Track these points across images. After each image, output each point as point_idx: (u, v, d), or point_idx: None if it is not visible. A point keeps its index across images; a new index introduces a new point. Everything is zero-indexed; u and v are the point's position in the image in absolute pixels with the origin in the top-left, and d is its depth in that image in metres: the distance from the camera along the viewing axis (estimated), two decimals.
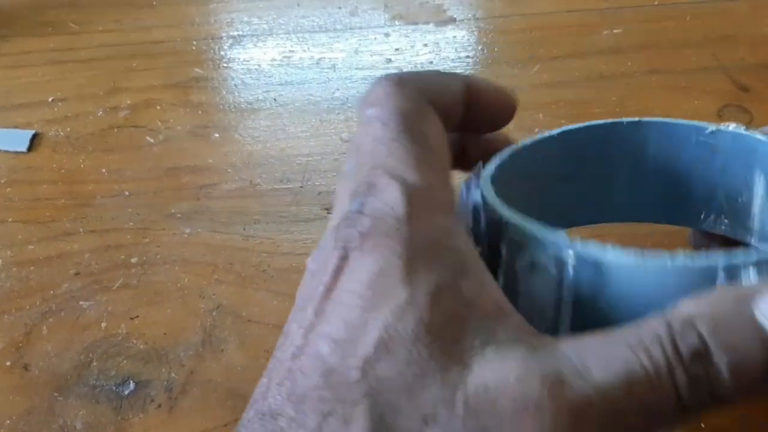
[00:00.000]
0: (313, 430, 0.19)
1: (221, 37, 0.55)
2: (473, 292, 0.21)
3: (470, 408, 0.19)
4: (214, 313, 0.40)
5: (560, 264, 0.22)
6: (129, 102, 0.51)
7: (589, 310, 0.22)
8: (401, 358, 0.19)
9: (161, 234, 0.44)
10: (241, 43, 0.54)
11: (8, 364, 0.40)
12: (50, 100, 0.52)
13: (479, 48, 0.52)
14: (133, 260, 0.43)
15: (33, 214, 0.46)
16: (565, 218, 0.32)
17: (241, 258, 0.42)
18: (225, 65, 0.53)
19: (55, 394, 0.38)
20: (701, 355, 0.18)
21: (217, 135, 0.49)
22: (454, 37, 0.53)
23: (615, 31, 0.51)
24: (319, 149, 0.47)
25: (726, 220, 0.31)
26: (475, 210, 0.25)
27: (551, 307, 0.23)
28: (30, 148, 0.49)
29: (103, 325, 0.40)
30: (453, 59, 0.51)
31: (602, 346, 0.19)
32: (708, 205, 0.32)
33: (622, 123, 0.31)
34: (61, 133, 0.50)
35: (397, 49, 0.52)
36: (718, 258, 0.20)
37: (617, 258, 0.21)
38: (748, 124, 0.46)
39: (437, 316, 0.20)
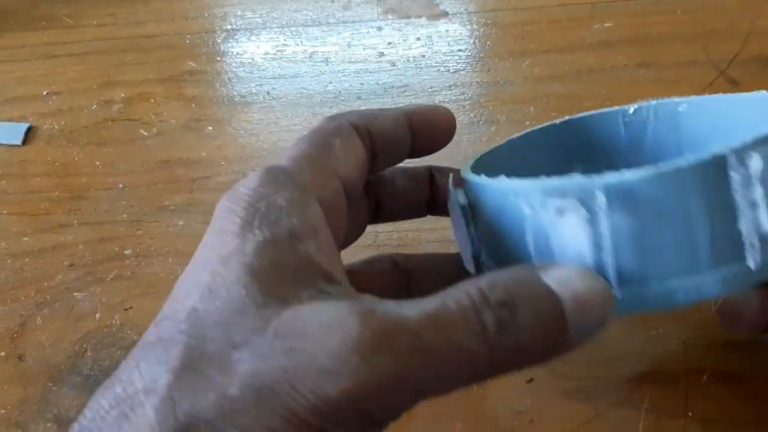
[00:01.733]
0: (128, 368, 0.20)
1: (215, 31, 0.55)
2: (309, 254, 0.22)
3: (279, 332, 0.20)
4: None
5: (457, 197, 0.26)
6: (123, 95, 0.51)
7: (480, 229, 0.26)
8: (221, 297, 0.21)
9: (155, 226, 0.44)
10: (235, 37, 0.55)
11: (3, 354, 0.40)
12: (44, 93, 0.52)
13: (471, 42, 0.52)
14: (127, 252, 0.43)
15: (27, 206, 0.46)
16: None
17: None
18: (218, 59, 0.53)
19: (50, 384, 0.39)
20: (507, 303, 0.21)
21: (210, 128, 0.49)
22: (447, 30, 0.53)
23: (605, 25, 0.51)
24: None
25: None
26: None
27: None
28: (24, 142, 0.50)
29: (97, 316, 0.41)
30: (445, 53, 0.52)
31: (420, 300, 0.21)
32: None
33: (555, 125, 0.33)
34: (56, 127, 0.50)
35: (389, 43, 0.53)
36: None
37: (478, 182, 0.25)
38: None
39: (262, 264, 0.21)
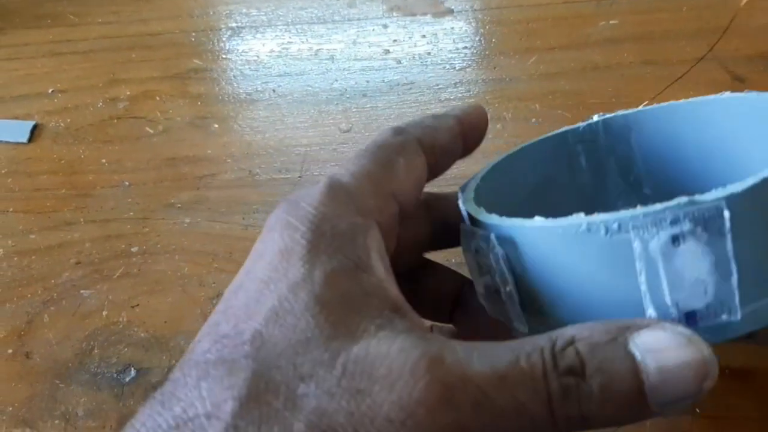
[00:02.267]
0: (190, 386, 0.20)
1: (220, 29, 0.55)
2: (372, 285, 0.22)
3: (348, 370, 0.19)
4: (213, 301, 0.40)
5: (491, 245, 0.24)
6: (128, 93, 0.51)
7: (526, 280, 0.24)
8: (289, 325, 0.20)
9: (161, 223, 0.44)
10: (240, 35, 0.55)
11: (10, 352, 0.40)
12: (50, 91, 0.52)
13: (476, 39, 0.52)
14: (134, 249, 0.43)
15: (34, 204, 0.46)
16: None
17: (240, 247, 0.43)
18: (224, 56, 0.53)
19: (57, 382, 0.39)
20: (575, 369, 0.20)
21: (216, 126, 0.49)
22: (452, 28, 0.53)
23: (611, 22, 0.51)
24: (317, 140, 0.48)
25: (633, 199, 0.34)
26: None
27: (500, 282, 0.24)
28: (30, 139, 0.50)
29: (104, 313, 0.41)
30: (450, 50, 0.52)
31: (488, 347, 0.20)
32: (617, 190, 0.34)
33: (512, 154, 0.32)
34: (61, 124, 0.50)
35: (395, 41, 0.53)
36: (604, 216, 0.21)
37: (525, 226, 0.23)
38: None
39: (331, 294, 0.21)
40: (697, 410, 0.35)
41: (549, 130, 0.46)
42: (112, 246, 0.44)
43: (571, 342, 0.20)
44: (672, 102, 0.33)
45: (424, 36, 0.53)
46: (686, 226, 0.20)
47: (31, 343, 0.40)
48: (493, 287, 0.25)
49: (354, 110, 0.49)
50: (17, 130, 0.50)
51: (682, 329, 0.20)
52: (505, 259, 0.24)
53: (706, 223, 0.20)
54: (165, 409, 0.20)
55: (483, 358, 0.20)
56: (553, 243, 0.22)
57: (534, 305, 0.24)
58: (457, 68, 0.51)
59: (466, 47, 0.52)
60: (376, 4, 0.55)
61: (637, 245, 0.21)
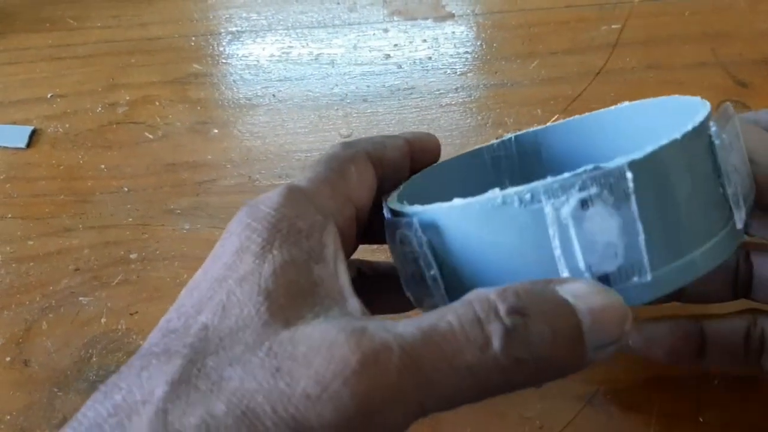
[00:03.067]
0: (132, 375, 0.21)
1: (220, 33, 0.55)
2: (323, 276, 0.23)
3: (271, 351, 0.20)
4: None
5: (414, 230, 0.24)
6: (127, 98, 0.51)
7: (449, 263, 0.24)
8: (234, 315, 0.21)
9: (160, 230, 0.44)
10: (240, 39, 0.54)
11: (8, 359, 0.40)
12: (49, 96, 0.52)
13: (478, 43, 0.52)
14: (133, 256, 0.43)
15: (32, 210, 0.46)
16: None
17: None
18: (224, 61, 0.53)
19: (55, 390, 0.38)
20: (520, 310, 0.20)
21: (215, 131, 0.49)
22: (453, 32, 0.53)
23: (613, 26, 0.51)
24: (317, 145, 0.47)
25: None
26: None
27: (425, 266, 0.25)
28: (29, 145, 0.49)
29: (103, 320, 0.41)
30: (452, 55, 0.51)
31: (421, 316, 0.21)
32: None
33: (427, 171, 0.32)
34: (60, 130, 0.50)
35: (395, 45, 0.52)
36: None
37: (444, 207, 0.23)
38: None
39: (276, 285, 0.22)
40: (701, 419, 0.35)
41: None
42: (110, 252, 0.43)
43: (508, 290, 0.21)
44: (576, 116, 0.34)
45: (425, 40, 0.52)
46: (593, 190, 0.21)
47: (29, 350, 0.40)
48: (418, 274, 0.25)
49: (354, 115, 0.49)
50: (16, 135, 0.50)
51: (595, 282, 0.22)
52: (429, 244, 0.24)
53: (612, 186, 0.21)
54: (107, 398, 0.20)
55: (410, 322, 0.20)
56: (472, 221, 0.23)
57: (458, 288, 0.24)
58: (458, 73, 0.50)
59: (467, 52, 0.52)
60: (376, 8, 0.55)
61: (549, 211, 0.22)
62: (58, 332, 0.40)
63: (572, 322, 0.20)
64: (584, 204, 0.22)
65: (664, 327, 0.32)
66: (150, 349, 0.21)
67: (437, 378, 0.19)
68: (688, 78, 0.48)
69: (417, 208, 0.25)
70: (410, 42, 0.53)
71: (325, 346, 0.19)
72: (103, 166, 0.48)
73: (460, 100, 0.49)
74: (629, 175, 0.21)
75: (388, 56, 0.52)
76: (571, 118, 0.34)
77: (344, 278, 0.23)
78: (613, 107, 0.33)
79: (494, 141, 0.34)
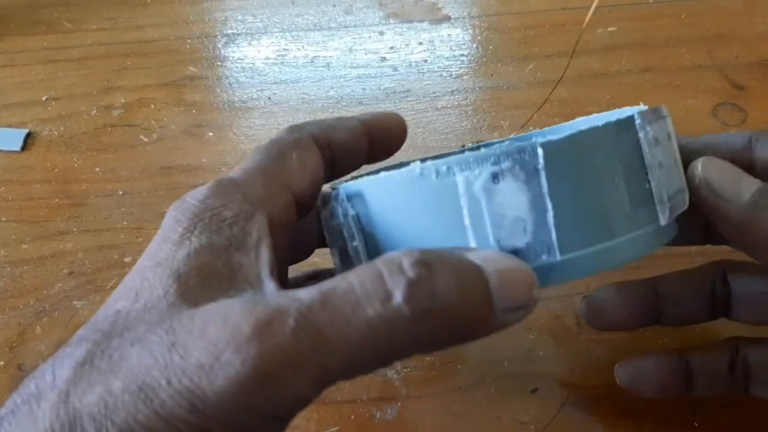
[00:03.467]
0: (47, 364, 0.21)
1: (215, 36, 0.55)
2: (242, 262, 0.22)
3: (171, 328, 0.20)
4: None
5: (340, 200, 0.25)
6: (123, 101, 0.51)
7: (372, 235, 0.25)
8: (142, 299, 0.21)
9: (155, 233, 0.44)
10: (236, 42, 0.54)
11: (2, 363, 0.39)
12: (44, 99, 0.52)
13: (474, 46, 0.52)
14: (127, 259, 0.43)
15: (27, 213, 0.46)
16: None
17: None
18: (219, 64, 0.53)
19: None
20: (425, 263, 0.20)
21: (211, 134, 0.49)
22: (449, 35, 0.53)
23: (609, 29, 0.51)
24: None
25: None
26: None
27: (348, 238, 0.25)
28: (24, 148, 0.49)
29: None
30: (447, 57, 0.51)
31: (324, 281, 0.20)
32: None
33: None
34: (55, 132, 0.50)
35: (391, 48, 0.52)
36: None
37: (370, 179, 0.24)
38: (743, 122, 0.46)
39: (188, 269, 0.22)
40: (696, 424, 0.34)
41: None
42: (105, 256, 0.43)
43: (412, 250, 0.20)
44: (536, 130, 0.34)
45: (420, 43, 0.52)
46: (505, 164, 0.22)
47: (23, 354, 0.40)
48: (344, 249, 0.25)
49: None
50: (10, 138, 0.49)
51: (502, 252, 0.22)
52: (354, 217, 0.25)
53: (523, 161, 0.22)
54: (24, 387, 0.21)
55: (312, 288, 0.20)
56: (393, 192, 0.24)
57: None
58: (453, 75, 0.50)
59: (463, 54, 0.51)
60: (372, 10, 0.55)
61: (461, 183, 0.22)
62: (52, 336, 0.40)
63: (478, 279, 0.21)
64: (495, 177, 0.22)
65: (650, 363, 0.33)
66: (69, 341, 0.22)
67: (336, 337, 0.19)
68: (684, 81, 0.48)
69: (344, 183, 0.25)
70: (406, 44, 0.52)
71: (220, 318, 0.19)
72: (97, 169, 0.48)
73: (456, 102, 0.49)
74: (540, 151, 0.22)
75: (383, 59, 0.52)
76: (531, 132, 0.34)
77: (265, 265, 0.23)
78: (571, 121, 0.33)
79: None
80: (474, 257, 0.21)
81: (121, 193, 0.46)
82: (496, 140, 0.34)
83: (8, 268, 0.43)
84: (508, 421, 0.35)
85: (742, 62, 0.48)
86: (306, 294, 0.20)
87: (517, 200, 0.22)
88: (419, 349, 0.20)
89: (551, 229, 0.22)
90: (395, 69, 0.51)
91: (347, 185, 0.25)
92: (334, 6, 0.56)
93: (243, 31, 0.55)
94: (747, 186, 0.26)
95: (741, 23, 0.50)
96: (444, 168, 0.22)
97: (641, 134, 0.24)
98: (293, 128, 0.27)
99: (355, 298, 0.19)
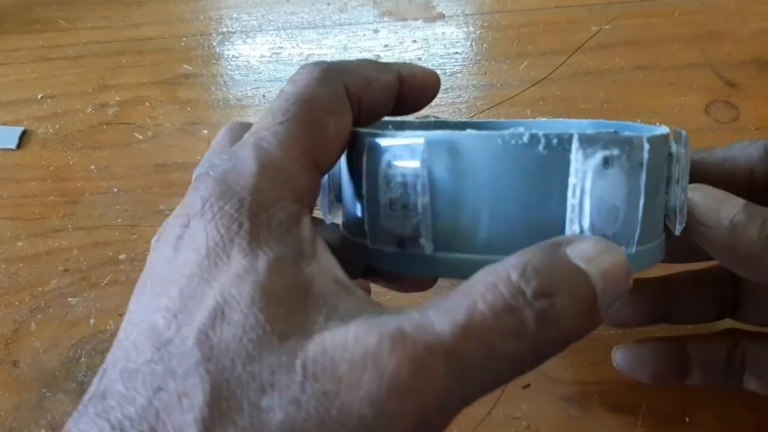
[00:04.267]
0: (143, 406, 0.18)
1: (210, 34, 0.55)
2: (314, 272, 0.20)
3: (309, 372, 0.18)
4: None
5: (416, 154, 0.23)
6: (118, 99, 0.51)
7: (445, 194, 0.23)
8: (237, 322, 0.19)
9: (150, 231, 0.44)
10: (230, 40, 0.54)
11: None
12: (39, 97, 0.52)
13: (468, 44, 0.52)
14: (122, 257, 0.43)
15: (22, 211, 0.46)
16: None
17: None
18: (214, 62, 0.53)
19: (44, 391, 0.38)
20: (546, 290, 0.19)
21: (206, 131, 0.49)
22: (443, 33, 0.53)
23: (603, 27, 0.51)
24: None
25: None
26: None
27: (417, 195, 0.23)
28: (19, 146, 0.49)
29: (92, 321, 0.41)
30: (442, 55, 0.51)
31: (441, 302, 0.19)
32: None
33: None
34: (50, 130, 0.50)
35: (386, 46, 0.52)
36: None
37: (460, 135, 0.22)
38: (735, 120, 0.46)
39: (276, 285, 0.19)
40: (687, 419, 0.35)
41: None
42: (100, 253, 0.43)
43: (528, 270, 0.20)
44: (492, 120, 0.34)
45: (415, 41, 0.53)
46: (615, 151, 0.22)
47: (17, 351, 0.40)
48: (399, 203, 0.24)
49: None
50: (6, 136, 0.49)
51: (598, 238, 0.22)
52: (429, 170, 0.23)
53: (631, 153, 0.22)
54: (108, 424, 0.18)
55: (440, 314, 0.19)
56: (487, 153, 0.22)
57: (447, 222, 0.24)
58: (448, 73, 0.50)
59: (457, 52, 0.52)
60: (367, 8, 0.55)
61: (576, 159, 0.22)
62: (46, 333, 0.40)
63: (588, 290, 0.20)
64: (606, 162, 0.22)
65: (648, 349, 0.33)
66: (149, 366, 0.19)
67: (479, 372, 0.19)
68: (677, 78, 0.48)
69: (425, 132, 0.23)
70: (400, 43, 0.53)
71: (370, 361, 0.18)
72: (92, 167, 0.48)
73: (450, 100, 0.49)
74: (647, 146, 0.22)
75: (378, 57, 0.52)
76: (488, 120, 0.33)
77: (335, 268, 0.21)
78: (532, 120, 0.33)
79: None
80: (578, 258, 0.20)
81: (116, 190, 0.46)
82: (450, 119, 0.33)
83: (3, 266, 0.43)
84: (500, 416, 0.35)
85: (735, 60, 0.48)
86: (443, 327, 0.19)
87: (617, 189, 0.22)
88: (537, 365, 0.20)
89: (637, 224, 0.22)
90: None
91: (429, 135, 0.23)
92: (329, 4, 0.56)
93: (238, 29, 0.55)
94: (727, 211, 0.26)
95: (734, 21, 0.51)
96: (555, 141, 0.22)
97: (673, 151, 0.25)
98: (326, 75, 0.24)
99: (492, 333, 0.19)
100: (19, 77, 0.53)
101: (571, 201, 0.22)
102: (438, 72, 0.50)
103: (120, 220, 0.45)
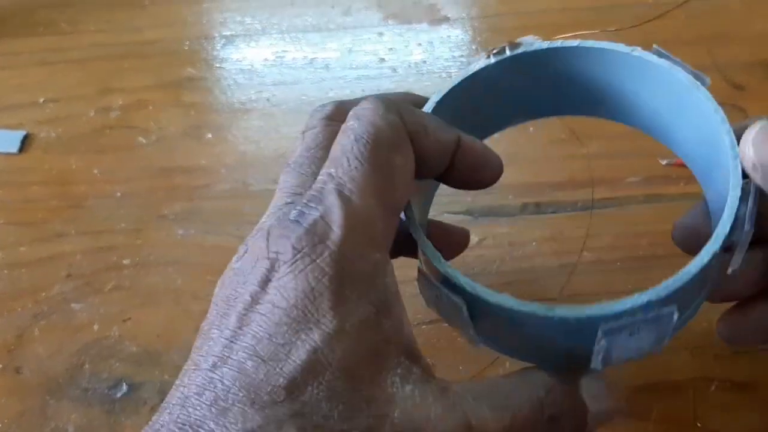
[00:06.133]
0: None
1: (214, 37, 0.55)
2: (393, 330, 0.22)
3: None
4: None
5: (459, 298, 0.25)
6: (121, 102, 0.51)
7: (487, 326, 0.26)
8: (327, 382, 0.20)
9: (154, 235, 0.44)
10: (234, 43, 0.54)
11: (0, 367, 0.39)
12: (41, 101, 0.52)
13: (473, 47, 0.52)
14: (126, 262, 0.43)
15: (24, 215, 0.46)
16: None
17: None
18: (217, 65, 0.53)
19: (48, 397, 0.38)
20: (555, 419, 0.24)
21: (209, 135, 0.49)
22: (448, 36, 0.53)
23: (609, 29, 0.51)
24: None
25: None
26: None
27: (461, 324, 0.26)
28: (21, 150, 0.49)
29: (96, 327, 0.40)
30: (447, 58, 0.51)
31: (491, 396, 0.23)
32: None
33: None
34: (53, 134, 0.50)
35: (390, 49, 0.52)
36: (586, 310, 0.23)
37: (500, 301, 0.24)
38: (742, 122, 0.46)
39: (362, 348, 0.21)
40: (699, 424, 0.34)
41: (546, 138, 0.45)
42: (103, 258, 0.43)
43: (552, 396, 0.24)
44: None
45: (419, 44, 0.52)
46: (642, 319, 0.23)
47: (21, 357, 0.40)
48: (452, 313, 0.26)
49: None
50: (8, 140, 0.49)
51: (602, 384, 0.26)
52: (469, 314, 0.25)
53: (659, 318, 0.24)
54: None
55: (495, 413, 0.22)
56: (520, 317, 0.24)
57: (486, 333, 0.26)
58: (453, 76, 0.50)
59: (462, 55, 0.51)
60: (371, 12, 0.55)
61: (601, 338, 0.23)
62: (50, 339, 0.40)
63: (584, 422, 0.25)
64: (631, 333, 0.24)
65: (756, 314, 0.30)
66: (239, 407, 0.20)
67: None
68: None
69: (469, 288, 0.24)
70: (405, 46, 0.52)
71: None
72: (96, 171, 0.47)
73: None
74: (676, 316, 0.24)
75: (382, 60, 0.52)
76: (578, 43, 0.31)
77: (409, 330, 0.23)
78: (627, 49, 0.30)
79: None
80: (588, 396, 0.25)
81: (119, 194, 0.46)
82: (535, 40, 0.31)
83: (6, 271, 0.43)
84: None
85: (742, 62, 0.48)
86: (495, 423, 0.22)
87: (647, 338, 0.24)
88: None
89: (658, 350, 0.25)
90: (394, 70, 0.51)
91: (470, 295, 0.24)
92: (333, 7, 0.55)
93: (241, 32, 0.55)
94: None
95: (740, 23, 0.50)
96: (584, 319, 0.23)
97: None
98: (385, 113, 0.24)
99: None
100: (21, 81, 0.53)
101: (597, 348, 0.24)
102: (443, 75, 0.50)
103: (124, 225, 0.45)
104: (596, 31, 0.51)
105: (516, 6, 0.53)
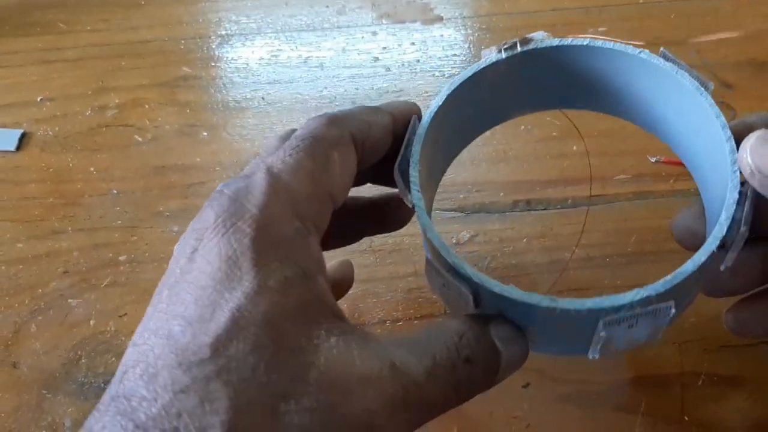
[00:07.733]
0: (165, 407, 0.20)
1: (209, 36, 0.55)
2: (318, 292, 0.23)
3: (322, 384, 0.21)
4: None
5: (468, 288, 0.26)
6: (117, 101, 0.51)
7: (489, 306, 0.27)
8: (253, 337, 0.21)
9: (149, 232, 0.44)
10: (229, 42, 0.55)
11: None
12: (38, 99, 0.52)
13: (466, 46, 0.52)
14: (122, 258, 0.43)
15: (21, 213, 0.46)
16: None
17: None
18: (213, 64, 0.53)
19: (44, 392, 0.38)
20: (470, 361, 0.25)
21: (205, 134, 0.49)
22: (441, 35, 0.53)
23: (599, 29, 0.51)
24: None
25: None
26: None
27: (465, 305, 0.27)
28: (18, 148, 0.49)
29: (92, 322, 0.41)
30: (440, 57, 0.52)
31: (413, 343, 0.24)
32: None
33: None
34: (50, 133, 0.50)
35: (384, 48, 0.53)
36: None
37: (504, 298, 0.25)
38: (731, 121, 0.46)
39: (288, 304, 0.22)
40: (686, 417, 0.35)
41: (539, 136, 0.46)
42: (100, 255, 0.43)
43: (465, 340, 0.25)
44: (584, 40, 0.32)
45: (413, 43, 0.53)
46: (641, 312, 0.24)
47: (18, 352, 0.40)
48: (453, 298, 0.27)
49: None
50: (5, 139, 0.50)
51: (513, 327, 0.26)
52: (475, 299, 0.26)
53: (657, 312, 0.25)
54: None
55: (416, 356, 0.23)
56: (524, 308, 0.25)
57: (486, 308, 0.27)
58: (446, 75, 0.51)
59: (455, 54, 0.52)
60: (365, 11, 0.55)
61: (600, 328, 0.25)
62: (47, 334, 0.40)
63: (497, 365, 0.26)
64: (630, 326, 0.25)
65: (762, 305, 0.31)
66: (168, 370, 0.20)
67: (435, 408, 0.24)
68: None
69: (475, 278, 0.25)
70: (399, 45, 0.53)
71: (373, 381, 0.22)
72: (92, 169, 0.48)
73: None
74: (672, 310, 0.25)
75: (376, 59, 0.52)
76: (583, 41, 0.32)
77: (329, 294, 0.24)
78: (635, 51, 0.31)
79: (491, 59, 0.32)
80: (498, 339, 0.26)
81: (115, 192, 0.46)
82: (545, 37, 0.32)
83: (3, 267, 0.43)
84: (501, 415, 0.36)
85: (731, 61, 0.49)
86: (418, 370, 0.23)
87: (643, 330, 0.25)
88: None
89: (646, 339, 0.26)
90: (388, 69, 0.51)
91: (479, 287, 0.26)
92: (327, 7, 0.56)
93: (236, 31, 0.55)
94: None
95: (729, 23, 0.51)
96: (585, 311, 0.24)
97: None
98: (332, 122, 0.26)
99: (444, 384, 0.24)
100: (19, 80, 0.53)
101: (596, 338, 0.25)
102: (436, 74, 0.51)
103: (119, 222, 0.45)
104: (587, 32, 0.51)
105: (508, 6, 0.54)
